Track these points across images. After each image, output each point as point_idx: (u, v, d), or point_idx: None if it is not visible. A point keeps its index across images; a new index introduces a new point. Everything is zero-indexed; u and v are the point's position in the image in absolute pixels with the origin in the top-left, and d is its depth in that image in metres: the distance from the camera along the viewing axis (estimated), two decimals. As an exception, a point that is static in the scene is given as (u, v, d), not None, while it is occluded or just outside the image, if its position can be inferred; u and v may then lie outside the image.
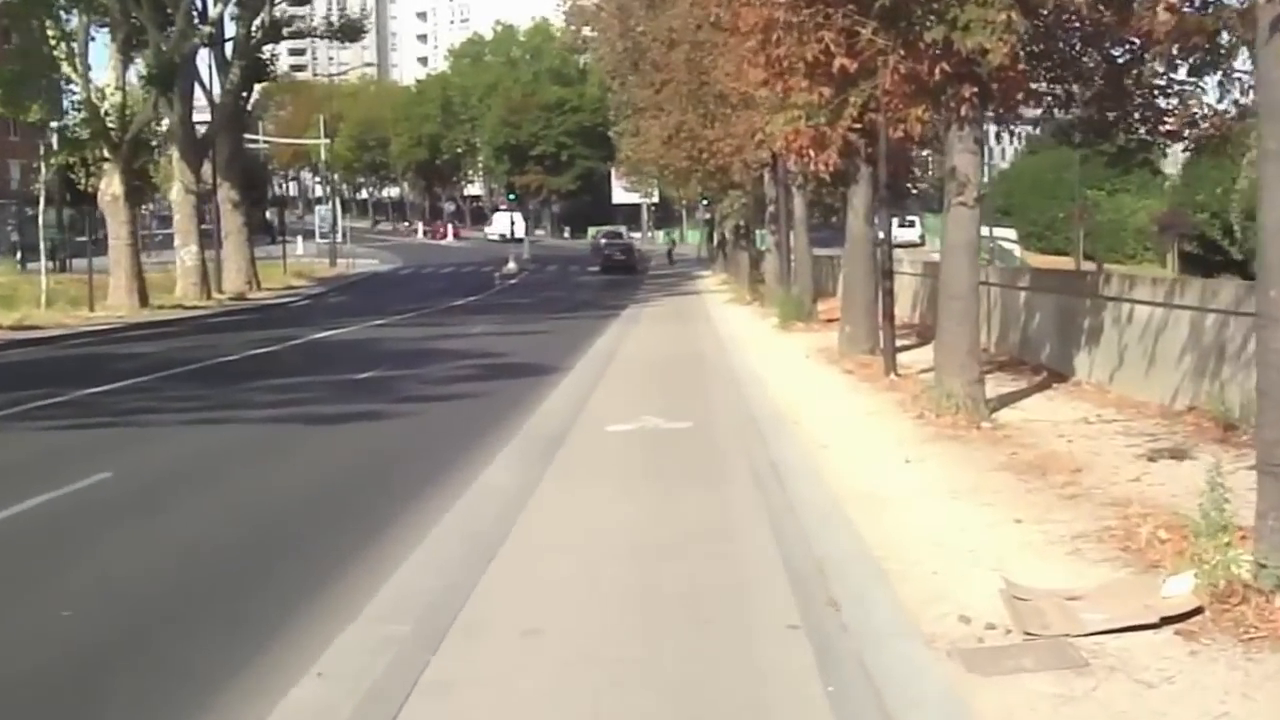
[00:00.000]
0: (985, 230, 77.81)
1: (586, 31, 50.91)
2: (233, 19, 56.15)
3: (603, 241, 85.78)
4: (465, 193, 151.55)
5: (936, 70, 13.29)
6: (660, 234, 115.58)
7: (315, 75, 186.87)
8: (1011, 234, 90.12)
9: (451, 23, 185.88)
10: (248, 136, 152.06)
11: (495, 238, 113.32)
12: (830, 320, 29.75)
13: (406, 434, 15.66)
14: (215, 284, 52.00)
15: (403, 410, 17.58)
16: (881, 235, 20.10)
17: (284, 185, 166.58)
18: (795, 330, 28.78)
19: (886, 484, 10.60)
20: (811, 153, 15.04)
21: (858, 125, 15.53)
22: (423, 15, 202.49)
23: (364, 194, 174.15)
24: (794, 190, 30.44)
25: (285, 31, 60.87)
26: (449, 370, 23.36)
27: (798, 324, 29.19)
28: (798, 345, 25.16)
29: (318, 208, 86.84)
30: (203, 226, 54.16)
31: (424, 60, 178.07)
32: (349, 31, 65.32)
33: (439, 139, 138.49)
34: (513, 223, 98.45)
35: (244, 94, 60.09)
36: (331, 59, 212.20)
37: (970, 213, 14.39)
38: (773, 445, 12.97)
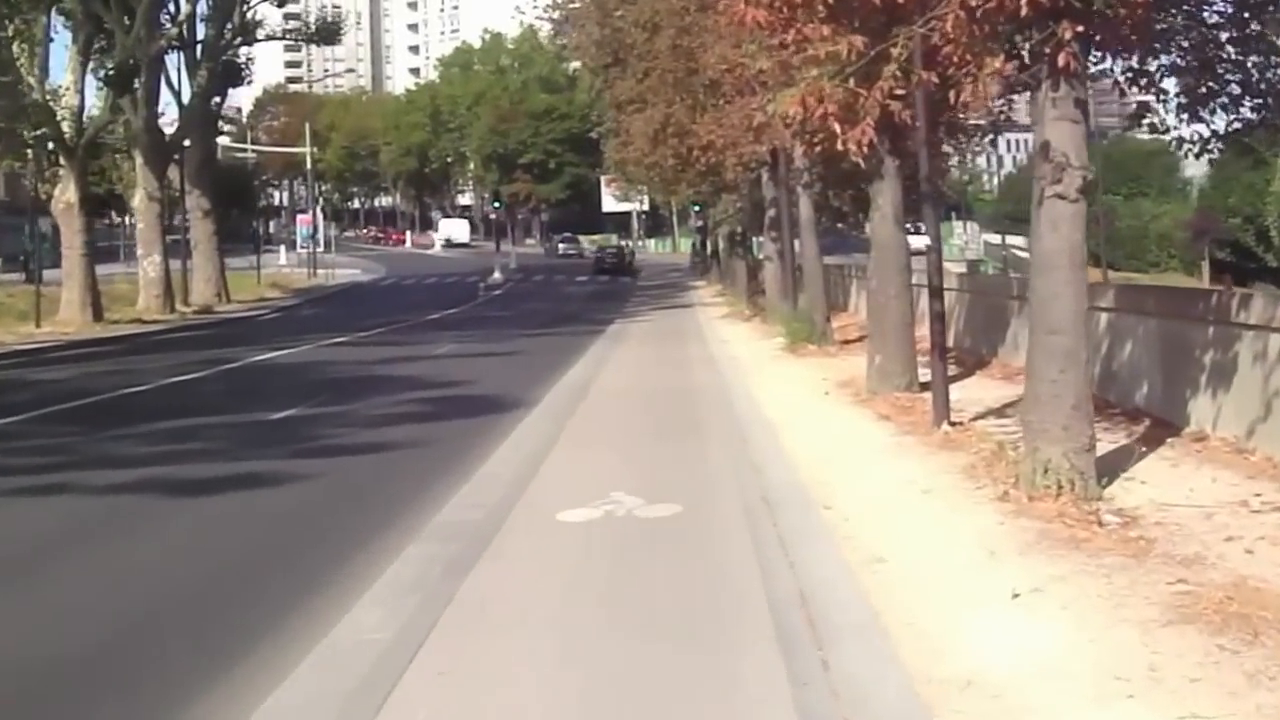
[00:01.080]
0: (996, 238, 74.40)
1: (566, 29, 46.71)
2: (203, 20, 52.86)
3: (597, 250, 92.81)
4: (457, 202, 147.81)
5: (1023, 2, 9.14)
6: (644, 241, 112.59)
7: (310, 87, 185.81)
8: (1022, 242, 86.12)
9: (442, 33, 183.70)
10: (238, 146, 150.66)
11: (443, 243, 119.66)
12: (847, 342, 25.58)
13: (282, 517, 11.40)
14: (182, 296, 49.15)
15: (300, 471, 13.32)
16: (927, 242, 15.77)
17: (279, 195, 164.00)
18: (806, 354, 24.58)
19: (994, 654, 6.39)
20: (837, 128, 10.52)
21: (900, 92, 11.12)
22: (414, 26, 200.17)
23: (356, 204, 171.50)
24: (799, 191, 26.12)
25: (260, 34, 57.63)
26: (388, 407, 19.18)
27: (808, 346, 24.98)
28: (812, 375, 20.91)
29: (299, 217, 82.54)
30: (176, 237, 52.29)
31: (416, 71, 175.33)
32: (326, 34, 61.38)
33: (428, 148, 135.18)
34: (500, 231, 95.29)
35: (217, 98, 57.17)
36: (327, 70, 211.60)
37: (1073, 209, 10.11)
38: (799, 554, 8.67)
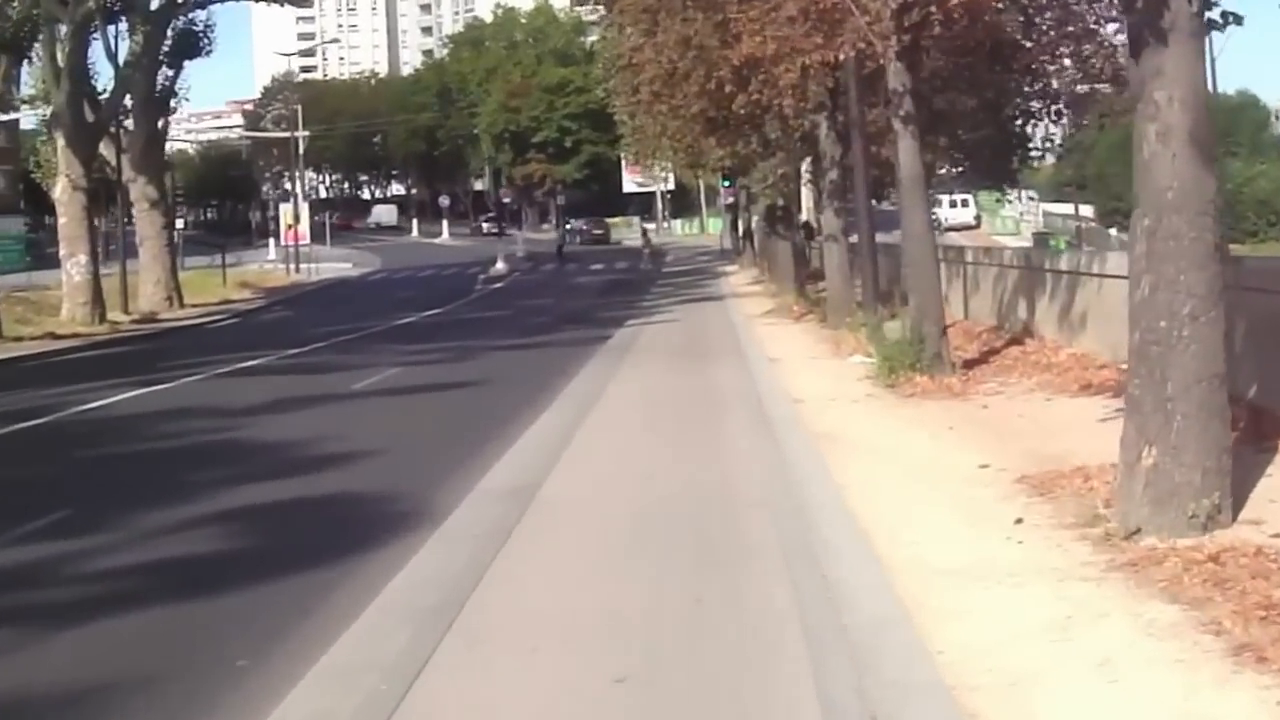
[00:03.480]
0: (1068, 208, 64.93)
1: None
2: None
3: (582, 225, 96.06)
4: (472, 188, 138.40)
5: None
6: (669, 223, 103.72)
7: (325, 76, 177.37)
8: (1088, 211, 76.42)
9: (456, 14, 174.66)
10: (244, 133, 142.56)
11: (373, 226, 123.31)
12: (972, 364, 16.36)
13: None
14: (122, 302, 42.23)
15: None
16: None
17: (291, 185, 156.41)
18: (916, 392, 15.02)
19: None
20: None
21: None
22: (426, 7, 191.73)
23: (366, 193, 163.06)
24: (898, 128, 15.72)
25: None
26: (127, 550, 10.07)
27: (915, 376, 15.67)
28: (959, 456, 11.20)
29: (282, 206, 73.38)
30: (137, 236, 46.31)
31: (429, 53, 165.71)
32: (293, -4, 52.43)
33: (436, 129, 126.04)
34: (507, 216, 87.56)
35: (169, 71, 48.68)
36: (342, 59, 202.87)
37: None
38: None
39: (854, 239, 24.43)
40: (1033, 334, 18.71)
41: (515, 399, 17.74)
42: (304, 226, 68.87)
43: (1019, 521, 8.48)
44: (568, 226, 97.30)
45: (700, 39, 20.69)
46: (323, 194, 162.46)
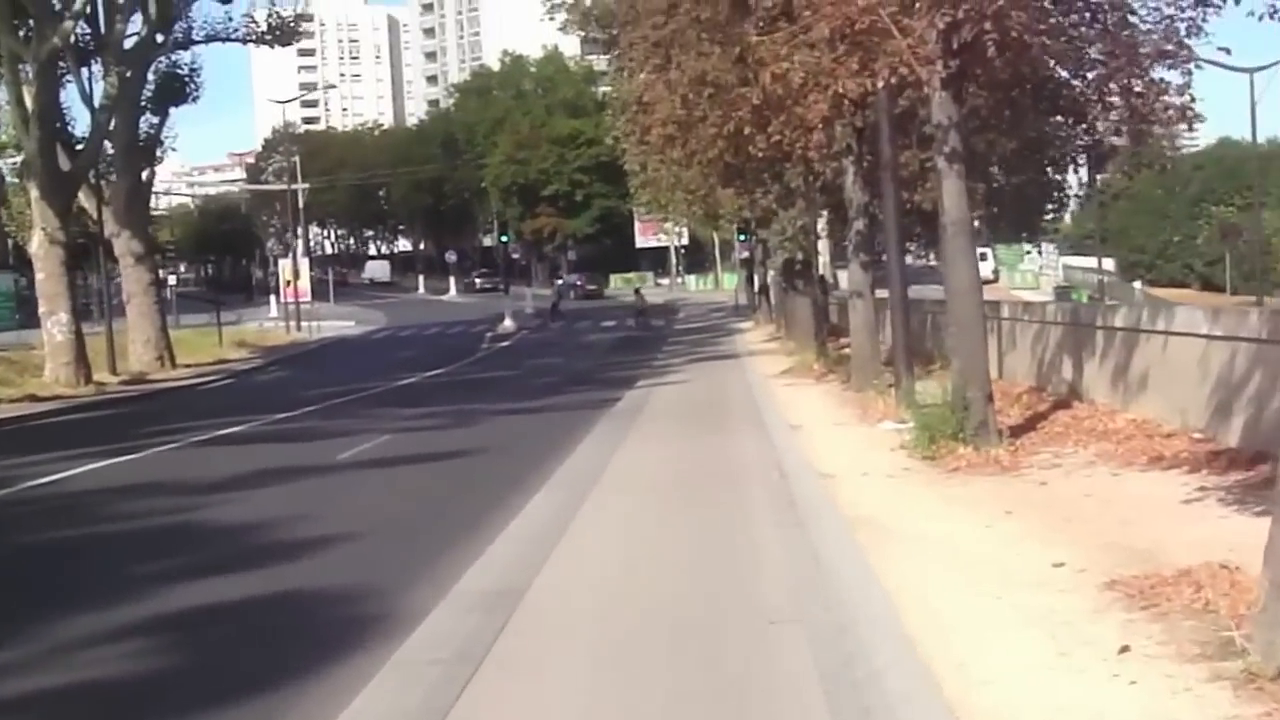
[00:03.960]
0: (1089, 261, 63.03)
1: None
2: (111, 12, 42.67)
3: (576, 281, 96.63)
4: (480, 243, 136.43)
5: None
6: (683, 278, 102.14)
7: (329, 128, 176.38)
8: (1109, 264, 74.50)
9: (462, 62, 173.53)
10: (243, 186, 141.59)
11: (367, 281, 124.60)
12: (1018, 430, 14.54)
13: None
14: (110, 362, 40.24)
15: None
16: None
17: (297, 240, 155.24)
18: (960, 466, 13.29)
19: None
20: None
21: None
22: (431, 55, 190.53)
23: (371, 248, 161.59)
24: (943, 166, 13.68)
25: (199, 35, 47.84)
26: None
27: (958, 448, 13.82)
28: (1024, 544, 9.54)
29: (282, 262, 71.80)
30: (124, 293, 44.66)
31: (435, 103, 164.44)
32: (282, 35, 50.86)
33: (442, 183, 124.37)
34: (514, 271, 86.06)
35: (155, 118, 47.41)
36: (345, 110, 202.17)
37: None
38: None
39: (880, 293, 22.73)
40: (1081, 396, 16.94)
41: (511, 473, 16.08)
42: (304, 283, 67.55)
43: (1125, 650, 6.66)
44: (558, 283, 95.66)
45: (716, 74, 18.93)
46: (327, 249, 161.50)
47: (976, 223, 26.97)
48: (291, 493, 15.62)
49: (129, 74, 42.20)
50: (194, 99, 49.10)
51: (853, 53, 12.67)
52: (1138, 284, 65.51)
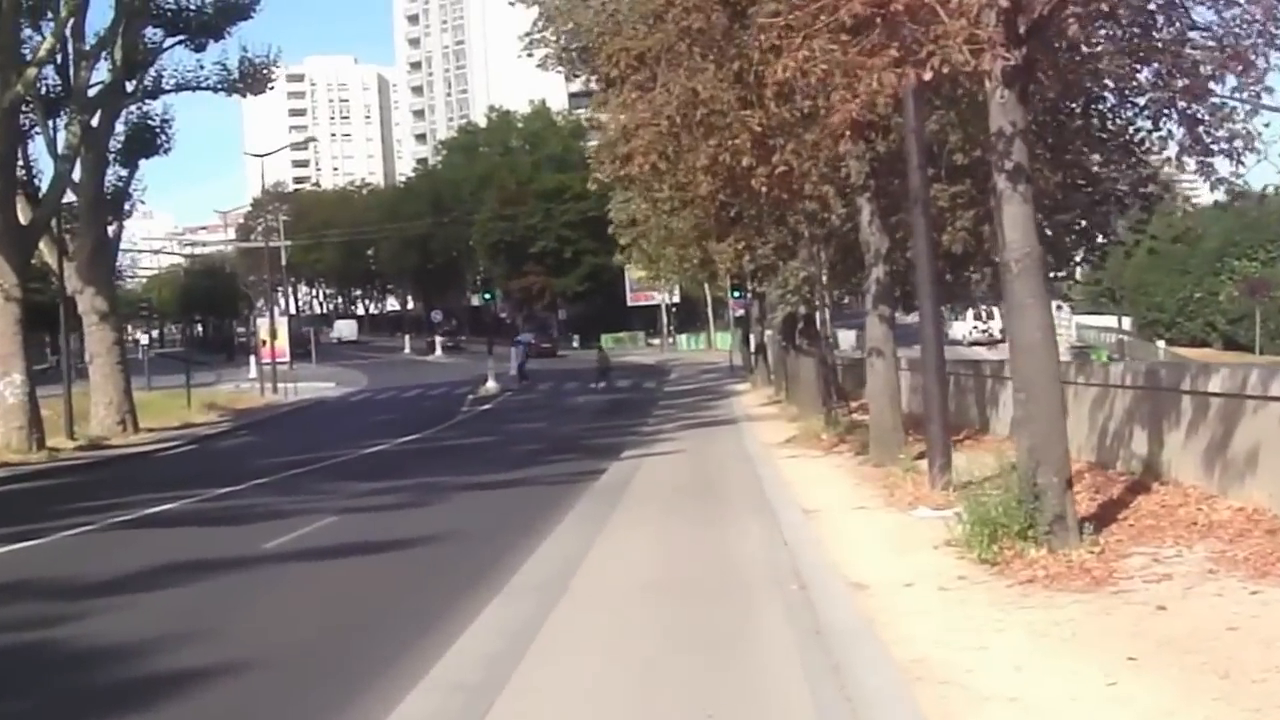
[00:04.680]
0: (1099, 319, 59.96)
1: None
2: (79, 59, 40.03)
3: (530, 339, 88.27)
4: (469, 302, 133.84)
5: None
6: (674, 338, 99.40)
7: (319, 186, 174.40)
8: (1126, 323, 71.43)
9: (450, 119, 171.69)
10: (225, 243, 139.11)
11: (335, 340, 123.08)
12: (1134, 533, 11.25)
13: None
14: (67, 426, 37.84)
15: None
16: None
17: (285, 301, 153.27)
18: (1048, 579, 9.89)
19: None
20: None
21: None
22: (419, 113, 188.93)
23: (360, 307, 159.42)
24: (1006, 189, 10.27)
25: (169, 84, 44.98)
26: None
27: (1032, 550, 10.46)
28: None
29: (260, 321, 69.07)
30: (87, 354, 42.12)
31: (424, 161, 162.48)
32: (254, 83, 48.02)
33: (429, 241, 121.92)
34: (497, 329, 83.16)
35: (124, 170, 44.64)
36: (336, 169, 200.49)
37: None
38: None
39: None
40: (1160, 476, 13.81)
41: (463, 571, 13.15)
42: (282, 342, 64.80)
43: None
44: (517, 340, 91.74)
45: (710, 95, 15.79)
46: (316, 308, 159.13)
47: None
48: (187, 598, 12.59)
49: (93, 122, 39.75)
50: (165, 150, 46.41)
51: (891, 39, 9.63)
52: (1161, 343, 62.36)
